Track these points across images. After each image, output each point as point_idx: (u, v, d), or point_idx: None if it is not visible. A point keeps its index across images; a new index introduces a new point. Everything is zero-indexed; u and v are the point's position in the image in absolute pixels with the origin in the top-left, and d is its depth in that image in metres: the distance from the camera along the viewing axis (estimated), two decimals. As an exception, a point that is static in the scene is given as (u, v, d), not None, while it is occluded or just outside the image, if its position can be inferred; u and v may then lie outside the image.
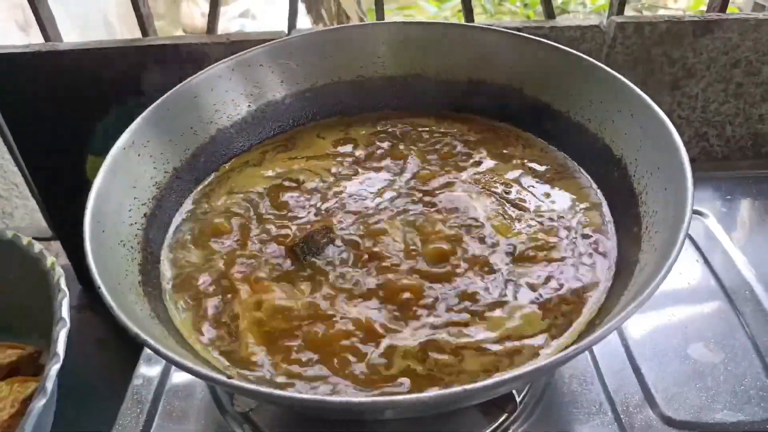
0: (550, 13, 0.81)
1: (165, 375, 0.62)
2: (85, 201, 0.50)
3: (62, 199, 0.94)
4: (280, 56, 0.67)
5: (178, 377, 0.61)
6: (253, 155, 0.66)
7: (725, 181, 0.83)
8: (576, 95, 0.61)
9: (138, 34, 0.83)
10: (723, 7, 0.82)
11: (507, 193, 0.60)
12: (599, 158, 0.59)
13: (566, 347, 0.47)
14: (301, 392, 0.40)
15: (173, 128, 0.60)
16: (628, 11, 0.81)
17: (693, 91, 0.83)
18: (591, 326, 0.48)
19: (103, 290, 0.41)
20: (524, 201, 0.59)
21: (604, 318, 0.47)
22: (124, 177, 0.54)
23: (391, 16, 1.76)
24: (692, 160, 0.89)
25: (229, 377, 0.36)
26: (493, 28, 0.67)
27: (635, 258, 0.49)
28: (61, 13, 0.85)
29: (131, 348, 0.62)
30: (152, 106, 0.59)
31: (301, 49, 0.68)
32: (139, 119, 0.57)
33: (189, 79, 0.62)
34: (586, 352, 0.61)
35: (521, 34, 0.64)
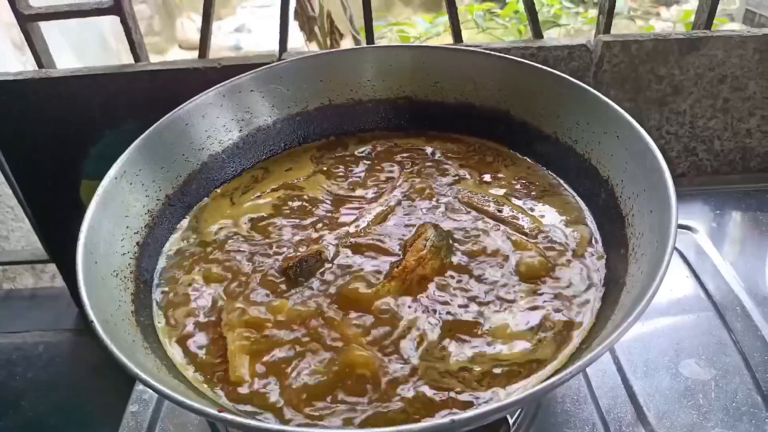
0: (537, 32, 0.82)
1: (161, 400, 0.62)
2: (80, 224, 0.50)
3: (57, 221, 0.94)
4: (270, 81, 0.68)
5: (173, 404, 0.61)
6: (243, 180, 0.67)
7: (714, 196, 0.84)
8: (563, 117, 0.62)
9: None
10: (708, 25, 0.83)
11: (499, 211, 0.60)
12: (587, 179, 0.60)
13: (557, 370, 0.47)
14: (287, 425, 0.40)
15: (165, 156, 0.61)
16: (621, 21, 0.82)
17: (681, 107, 0.84)
18: (581, 348, 0.48)
19: (96, 324, 0.42)
20: (517, 219, 0.60)
21: (593, 340, 0.47)
22: (116, 207, 0.55)
23: (385, 32, 1.78)
24: (682, 175, 0.91)
25: (220, 410, 0.37)
26: (479, 50, 0.68)
27: (622, 280, 0.49)
28: (55, 32, 0.85)
29: (127, 373, 0.62)
30: (143, 134, 0.59)
31: (291, 74, 0.68)
32: (130, 148, 0.58)
33: (180, 106, 0.63)
34: (579, 372, 0.61)
35: (507, 56, 0.65)
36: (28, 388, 0.94)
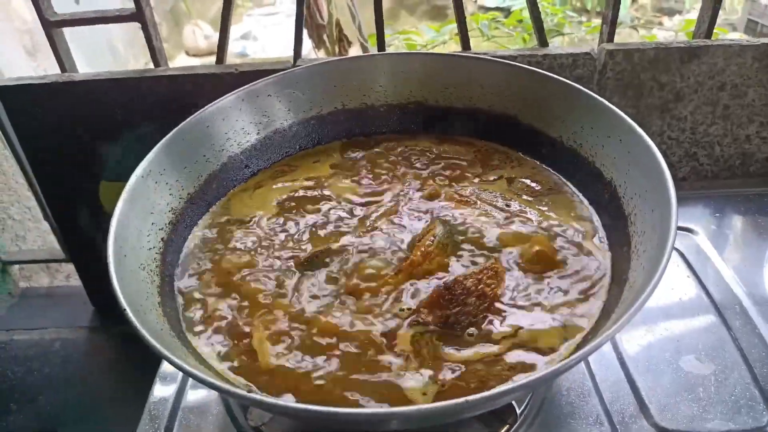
0: (542, 41, 0.85)
1: (181, 393, 0.64)
2: (97, 224, 0.53)
3: (75, 222, 0.97)
4: (287, 87, 0.71)
5: (194, 394, 0.63)
6: (258, 179, 0.70)
7: (715, 199, 0.86)
8: (568, 121, 0.64)
9: (144, 60, 0.87)
10: (709, 34, 0.86)
11: (508, 206, 0.63)
12: (591, 180, 0.63)
13: (563, 359, 0.49)
14: (311, 404, 0.42)
15: (188, 156, 0.64)
16: (624, 30, 0.85)
17: (682, 113, 0.87)
18: (585, 341, 0.51)
19: (129, 312, 0.44)
20: (525, 212, 0.62)
21: (597, 332, 0.50)
22: (142, 204, 0.57)
23: (391, 40, 1.81)
24: (683, 179, 0.93)
25: (249, 391, 0.39)
26: (487, 58, 0.70)
27: (625, 276, 0.52)
28: (67, 38, 0.88)
29: (142, 368, 0.65)
30: (168, 135, 0.62)
31: (306, 80, 0.71)
32: (156, 148, 0.60)
33: (202, 109, 0.65)
34: (583, 366, 0.64)
35: (515, 63, 0.68)
36: (45, 383, 0.97)
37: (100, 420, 0.91)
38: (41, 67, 2.12)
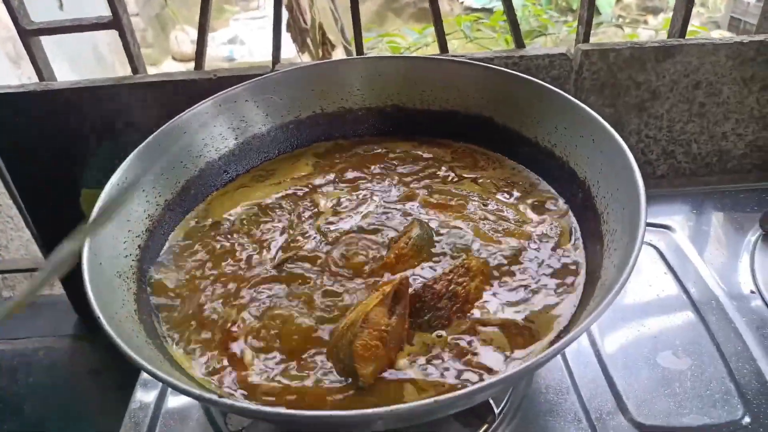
0: (519, 42, 0.85)
1: (161, 399, 0.64)
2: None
3: (57, 230, 0.96)
4: (264, 92, 0.71)
5: (174, 401, 0.63)
6: (237, 184, 0.70)
7: (693, 196, 0.87)
8: (542, 122, 0.65)
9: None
10: (683, 33, 0.87)
11: (485, 206, 0.64)
12: (566, 180, 0.63)
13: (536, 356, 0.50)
14: (287, 408, 0.43)
15: (165, 163, 0.64)
16: (610, 29, 0.85)
17: (659, 111, 0.88)
18: (559, 337, 0.51)
19: (102, 320, 0.44)
20: (501, 211, 0.63)
21: (570, 328, 0.50)
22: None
23: (375, 43, 1.81)
24: (661, 177, 0.94)
25: (220, 396, 0.39)
26: (463, 60, 0.71)
27: (598, 274, 0.52)
28: (51, 45, 0.88)
29: (125, 375, 0.65)
30: (144, 143, 0.62)
31: (284, 85, 0.72)
32: (131, 156, 0.60)
33: (179, 116, 0.66)
34: (562, 364, 0.64)
35: (489, 65, 0.68)
36: (29, 392, 0.96)
37: (85, 427, 0.90)
38: (25, 75, 2.12)
